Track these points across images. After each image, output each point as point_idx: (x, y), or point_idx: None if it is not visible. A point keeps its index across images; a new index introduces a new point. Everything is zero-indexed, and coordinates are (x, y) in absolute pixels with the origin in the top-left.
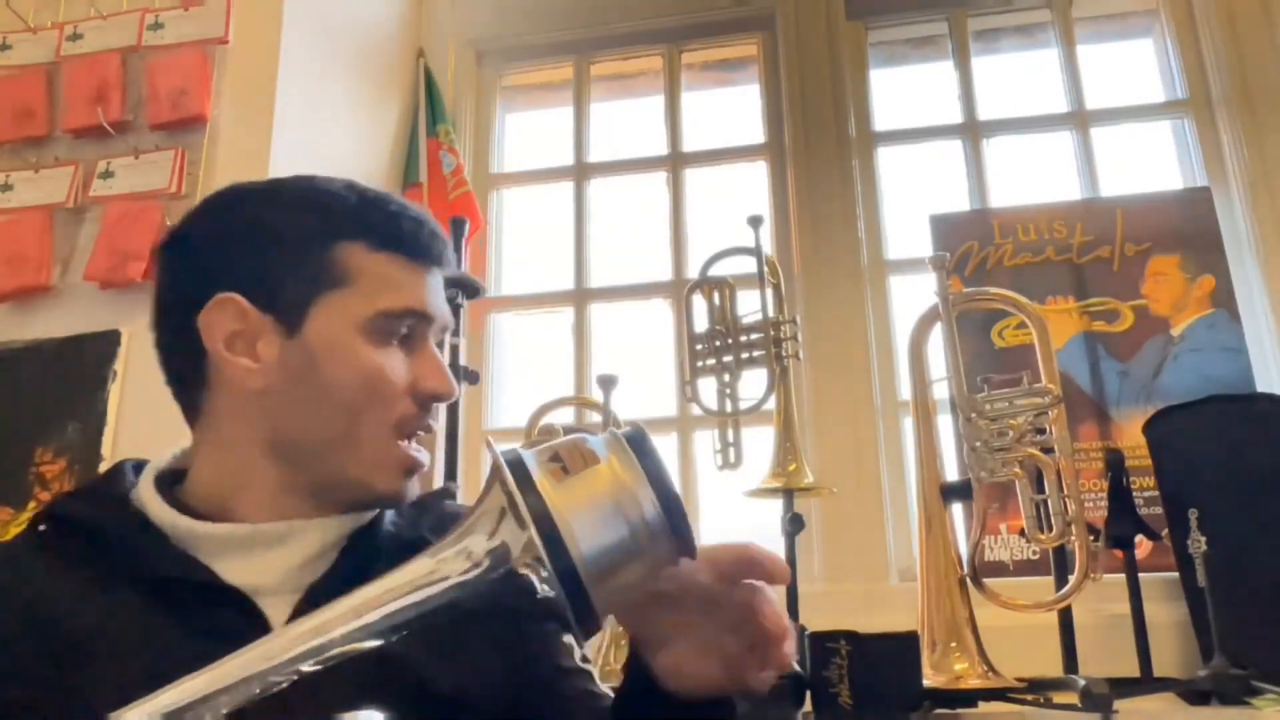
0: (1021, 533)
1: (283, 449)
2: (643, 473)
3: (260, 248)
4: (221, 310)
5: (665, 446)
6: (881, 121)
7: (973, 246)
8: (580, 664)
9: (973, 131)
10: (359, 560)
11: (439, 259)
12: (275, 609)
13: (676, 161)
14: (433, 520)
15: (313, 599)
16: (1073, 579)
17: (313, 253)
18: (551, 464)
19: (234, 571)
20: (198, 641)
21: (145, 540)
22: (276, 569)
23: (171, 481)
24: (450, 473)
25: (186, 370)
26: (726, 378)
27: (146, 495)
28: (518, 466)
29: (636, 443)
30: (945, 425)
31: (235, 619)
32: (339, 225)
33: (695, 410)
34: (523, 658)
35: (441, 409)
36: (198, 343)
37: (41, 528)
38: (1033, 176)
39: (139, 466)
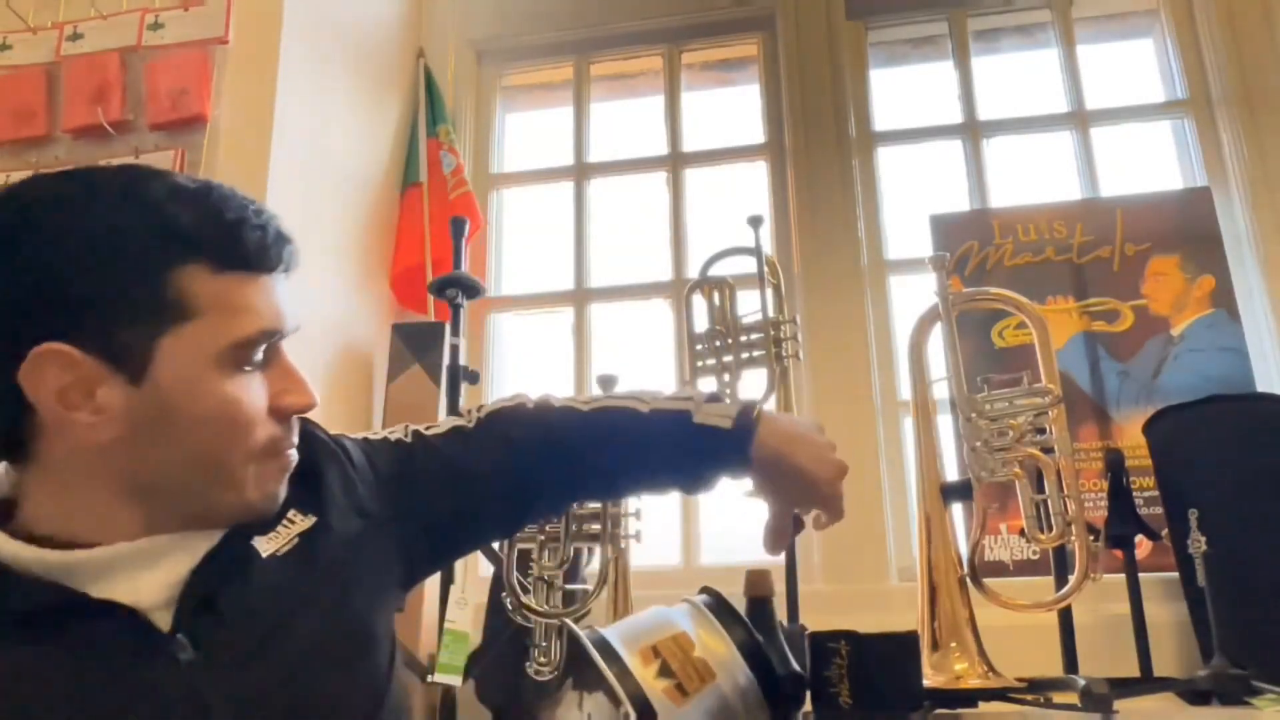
0: (1021, 533)
1: (143, 491)
2: (734, 649)
3: (82, 283)
4: (46, 363)
5: None
6: (881, 121)
7: (973, 246)
8: (449, 430)
9: (973, 131)
10: (221, 553)
11: (287, 262)
12: (163, 619)
13: (676, 161)
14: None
15: (189, 601)
16: (1073, 579)
17: (147, 284)
18: (666, 681)
19: (114, 592)
20: (87, 662)
21: (6, 579)
22: (161, 583)
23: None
24: None
25: (11, 425)
26: (726, 378)
27: None
28: (640, 703)
29: (718, 611)
30: (945, 425)
31: (122, 631)
32: (173, 249)
33: None
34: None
35: (441, 410)
36: (21, 398)
37: None
38: (1033, 176)
39: None
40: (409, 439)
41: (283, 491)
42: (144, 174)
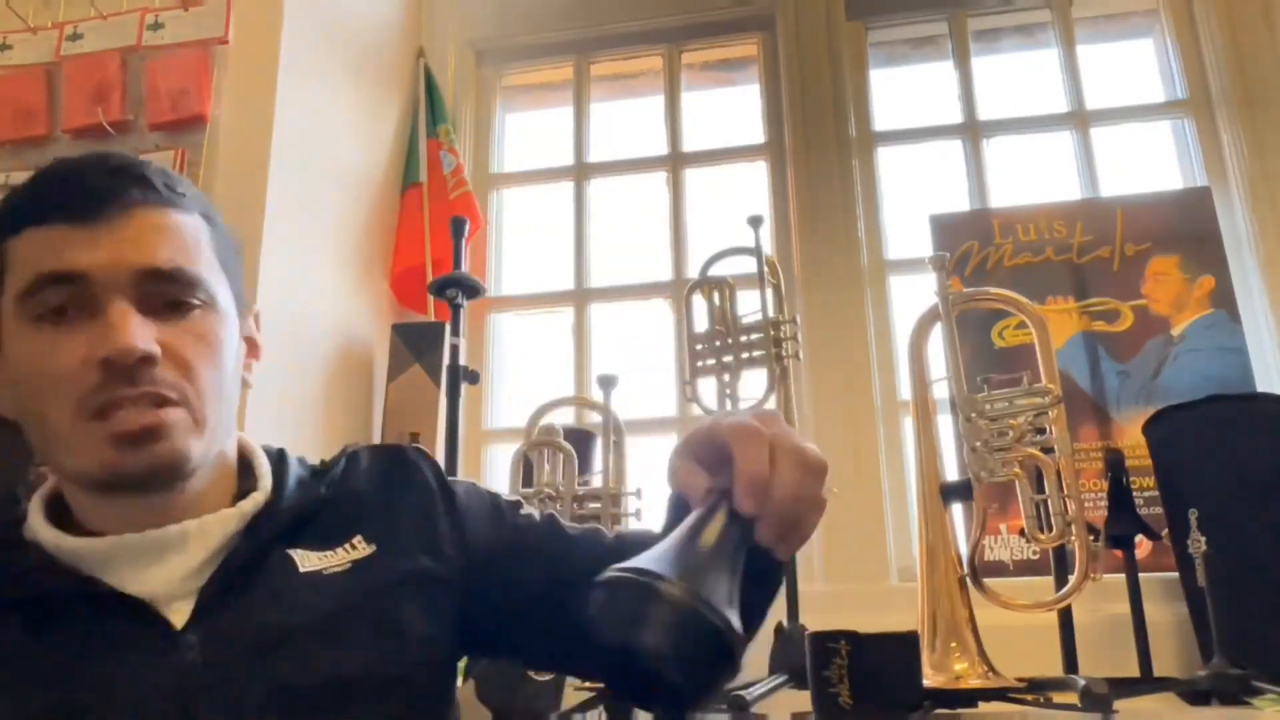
0: (1021, 533)
1: (43, 460)
2: None
3: None
4: None
5: (666, 447)
6: (881, 121)
7: (973, 246)
8: (540, 518)
9: (973, 131)
10: (250, 550)
11: (95, 205)
12: (178, 614)
13: (676, 161)
14: (347, 483)
15: (207, 598)
16: (1073, 579)
17: None
18: None
19: (130, 581)
20: (105, 655)
21: (29, 561)
22: (175, 574)
23: (62, 503)
24: (450, 472)
25: None
26: (726, 378)
27: (36, 522)
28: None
29: None
30: (945, 425)
31: (138, 627)
32: (7, 219)
33: (695, 410)
34: (482, 554)
35: (441, 410)
36: None
37: None
38: (1033, 176)
39: (16, 499)
40: (540, 518)
41: (149, 457)
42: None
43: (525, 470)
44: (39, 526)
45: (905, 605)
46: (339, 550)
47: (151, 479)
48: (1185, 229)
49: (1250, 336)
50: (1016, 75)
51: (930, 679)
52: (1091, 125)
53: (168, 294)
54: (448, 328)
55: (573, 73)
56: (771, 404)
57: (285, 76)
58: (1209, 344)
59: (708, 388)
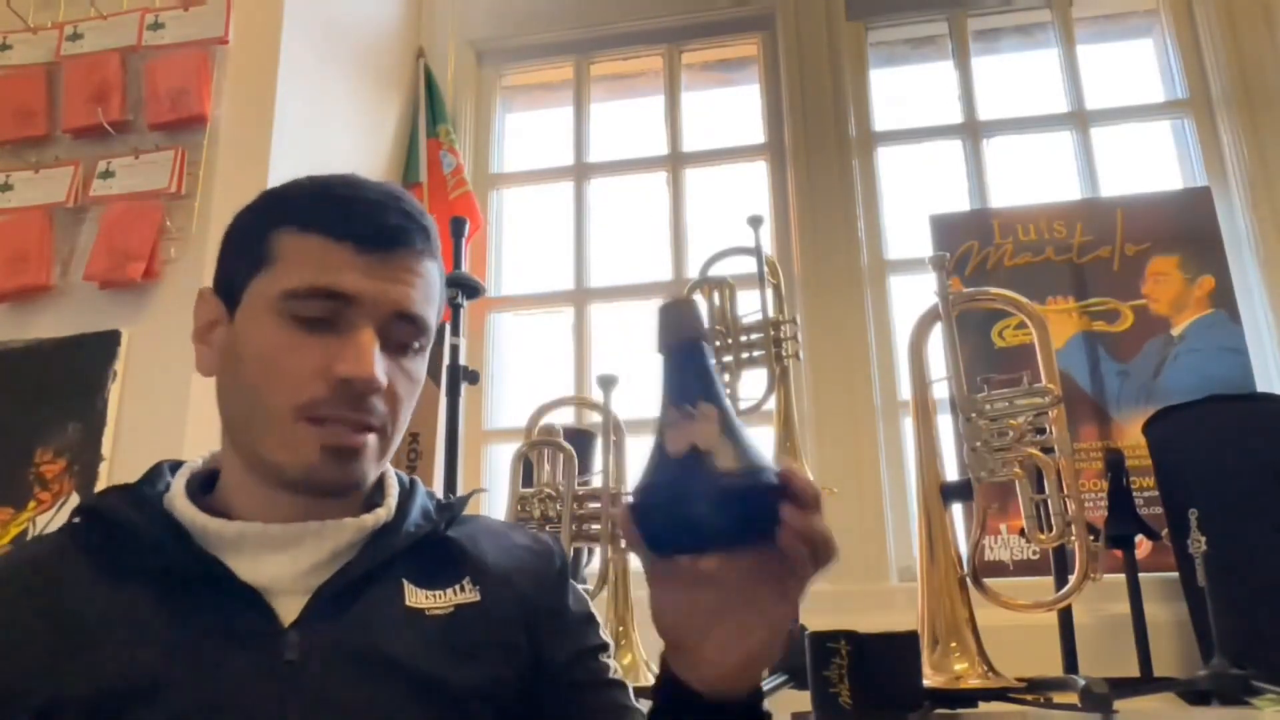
0: (1021, 533)
1: (232, 434)
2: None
3: (228, 242)
4: (201, 301)
5: None
6: (881, 121)
7: (973, 246)
8: (614, 676)
9: (973, 131)
10: (368, 564)
11: (386, 244)
12: (286, 608)
13: (676, 161)
14: (464, 527)
15: (319, 601)
16: (1073, 579)
17: (254, 239)
18: None
19: (248, 569)
20: (207, 634)
21: (165, 536)
22: (288, 571)
23: (208, 483)
24: (450, 473)
25: None
26: (726, 378)
27: (176, 494)
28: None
29: None
30: (945, 425)
31: (246, 614)
32: (281, 213)
33: None
34: (553, 664)
35: (441, 410)
36: None
37: (75, 520)
38: (1033, 176)
39: (176, 467)
40: (612, 675)
41: (346, 473)
42: (323, 175)
43: (525, 470)
44: (180, 501)
45: (905, 605)
46: (447, 591)
47: (333, 490)
48: (1185, 229)
49: (1250, 336)
50: (1016, 75)
51: (930, 679)
52: (1091, 125)
53: (404, 335)
54: (448, 327)
55: (573, 73)
56: (771, 404)
57: (285, 76)
58: (1209, 344)
59: None
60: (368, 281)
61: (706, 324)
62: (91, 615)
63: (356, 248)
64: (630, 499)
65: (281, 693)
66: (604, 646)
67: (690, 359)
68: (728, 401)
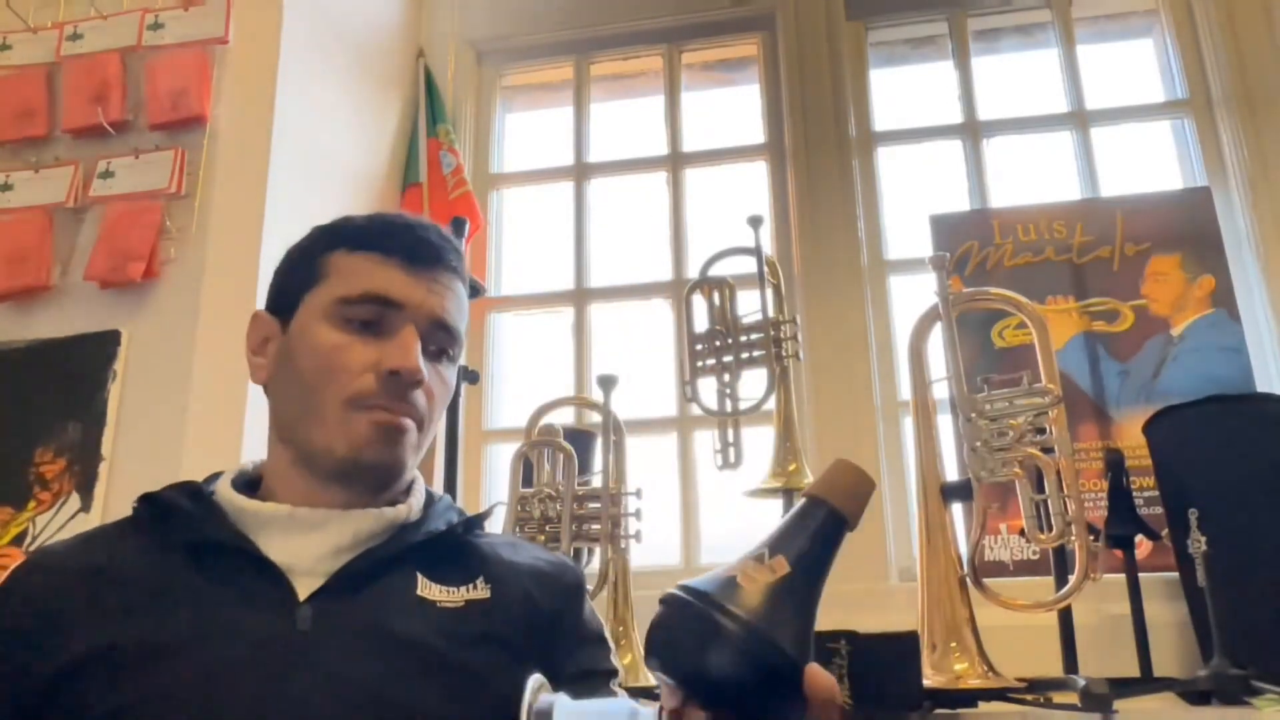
0: (1021, 533)
1: (282, 431)
2: None
3: (280, 270)
4: (254, 322)
5: (665, 447)
6: (881, 121)
7: (973, 246)
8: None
9: (973, 131)
10: (387, 553)
11: (427, 260)
12: (304, 584)
13: (676, 161)
14: (485, 536)
15: (335, 581)
16: (1073, 579)
17: (307, 262)
18: None
19: (274, 549)
20: (231, 602)
21: (206, 514)
22: (310, 552)
23: (256, 483)
24: (450, 472)
25: None
26: (726, 378)
27: (222, 484)
28: None
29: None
30: (945, 425)
31: (268, 589)
32: (332, 239)
33: (695, 410)
34: (560, 675)
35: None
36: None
37: (136, 505)
38: (1033, 176)
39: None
40: (616, 669)
41: (391, 455)
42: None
43: (525, 470)
44: (223, 488)
45: (905, 605)
46: (460, 589)
47: (376, 470)
48: (1185, 229)
49: (1250, 336)
50: (1016, 75)
51: (930, 679)
52: (1091, 125)
53: (441, 342)
54: None
55: (572, 73)
56: (771, 404)
57: (285, 76)
58: (1209, 344)
59: (708, 388)
60: (412, 290)
61: (706, 325)
62: (136, 580)
63: (403, 262)
64: (672, 596)
65: (293, 658)
66: (614, 673)
67: (825, 529)
68: (816, 584)
